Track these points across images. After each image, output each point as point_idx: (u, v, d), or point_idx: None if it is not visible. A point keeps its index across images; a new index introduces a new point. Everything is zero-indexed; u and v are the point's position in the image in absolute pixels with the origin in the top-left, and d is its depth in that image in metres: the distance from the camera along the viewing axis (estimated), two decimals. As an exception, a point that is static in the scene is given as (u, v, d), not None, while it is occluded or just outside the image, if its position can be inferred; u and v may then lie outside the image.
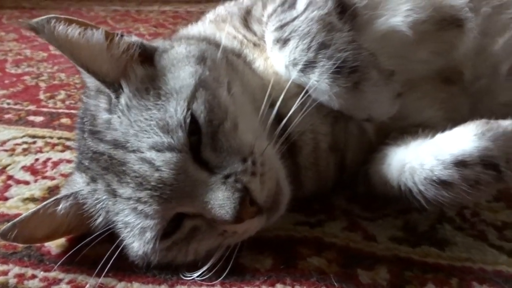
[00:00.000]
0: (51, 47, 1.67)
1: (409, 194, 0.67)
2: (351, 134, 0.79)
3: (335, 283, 0.59)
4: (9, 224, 0.63)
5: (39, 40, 1.88)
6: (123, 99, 0.61)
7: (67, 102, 1.26)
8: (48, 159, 0.95)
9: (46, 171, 0.91)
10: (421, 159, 0.65)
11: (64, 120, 1.14)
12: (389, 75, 0.72)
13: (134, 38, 0.68)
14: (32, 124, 1.12)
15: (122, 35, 0.66)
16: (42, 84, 1.42)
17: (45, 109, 1.21)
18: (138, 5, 3.03)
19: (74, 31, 0.62)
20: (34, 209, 0.63)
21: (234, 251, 0.63)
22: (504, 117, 0.88)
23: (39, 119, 1.15)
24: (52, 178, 0.89)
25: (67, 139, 1.03)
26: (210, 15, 0.92)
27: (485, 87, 0.89)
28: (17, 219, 0.63)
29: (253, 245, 0.66)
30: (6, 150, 0.99)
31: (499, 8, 0.86)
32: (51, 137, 1.05)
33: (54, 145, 1.01)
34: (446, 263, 0.67)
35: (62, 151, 0.98)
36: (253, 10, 0.86)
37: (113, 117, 0.61)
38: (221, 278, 0.62)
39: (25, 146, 1.01)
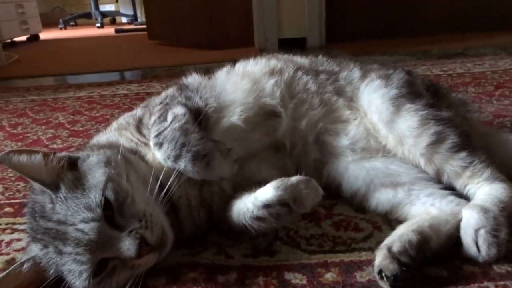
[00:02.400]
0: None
1: (246, 228, 1.06)
2: (215, 193, 1.21)
3: (202, 284, 1.01)
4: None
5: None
6: (61, 194, 0.98)
7: (6, 194, 1.58)
8: (1, 240, 1.28)
9: (2, 249, 1.24)
10: (247, 206, 1.07)
11: (7, 209, 1.46)
12: (227, 151, 1.16)
13: (63, 154, 1.06)
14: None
15: (54, 153, 1.06)
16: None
17: (-12, 202, 1.50)
18: (54, 92, 3.33)
19: (23, 158, 1.00)
20: (7, 271, 0.96)
21: (141, 277, 1.02)
22: (315, 169, 1.40)
23: (-14, 211, 1.45)
24: (8, 254, 1.21)
25: (13, 223, 1.36)
26: (114, 124, 1.33)
27: (302, 151, 1.36)
28: (-3, 278, 0.95)
29: (154, 272, 1.05)
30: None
31: (298, 104, 1.36)
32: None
33: (4, 229, 1.33)
34: (272, 264, 1.10)
35: (11, 233, 1.31)
36: (144, 119, 1.28)
37: (56, 206, 0.98)
38: (134, 295, 1.00)
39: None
